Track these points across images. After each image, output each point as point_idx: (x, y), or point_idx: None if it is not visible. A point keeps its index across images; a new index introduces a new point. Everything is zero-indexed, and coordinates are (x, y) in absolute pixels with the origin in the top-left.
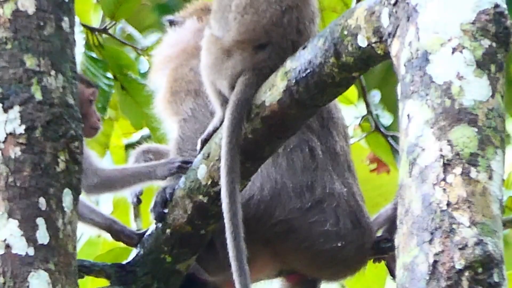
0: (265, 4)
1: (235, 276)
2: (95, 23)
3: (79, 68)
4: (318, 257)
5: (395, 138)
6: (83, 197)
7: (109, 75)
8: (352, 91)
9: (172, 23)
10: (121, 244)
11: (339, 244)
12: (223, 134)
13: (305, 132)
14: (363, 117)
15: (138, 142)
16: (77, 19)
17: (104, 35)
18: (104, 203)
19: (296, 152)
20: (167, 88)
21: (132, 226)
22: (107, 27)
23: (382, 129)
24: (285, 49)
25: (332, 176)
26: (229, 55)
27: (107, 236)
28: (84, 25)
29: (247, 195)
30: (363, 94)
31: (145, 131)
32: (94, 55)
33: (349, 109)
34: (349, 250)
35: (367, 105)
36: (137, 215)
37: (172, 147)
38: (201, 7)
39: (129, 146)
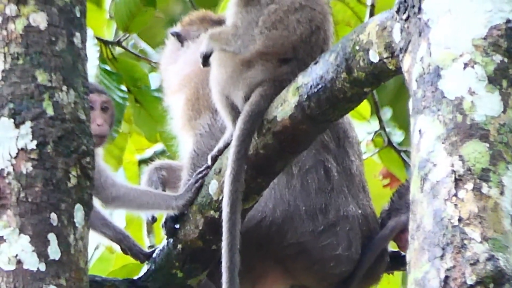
0: (295, 22)
1: (224, 287)
2: (109, 37)
3: (93, 81)
4: (329, 279)
5: (408, 153)
6: (99, 208)
7: (123, 88)
8: (365, 107)
9: (179, 36)
10: (134, 260)
11: (350, 269)
12: (232, 143)
13: (321, 153)
14: (375, 132)
15: (151, 158)
16: (90, 32)
17: (118, 49)
18: (117, 217)
19: (311, 174)
20: (188, 105)
21: (145, 242)
22: (121, 40)
23: (395, 145)
24: (308, 66)
25: (347, 198)
26: (250, 65)
27: (118, 248)
28: (98, 38)
29: (259, 216)
30: (376, 110)
31: (158, 147)
32: (108, 68)
33: (362, 125)
34: (359, 275)
35: (380, 121)
36: (150, 231)
37: (186, 162)
38: (205, 18)
39: (142, 162)
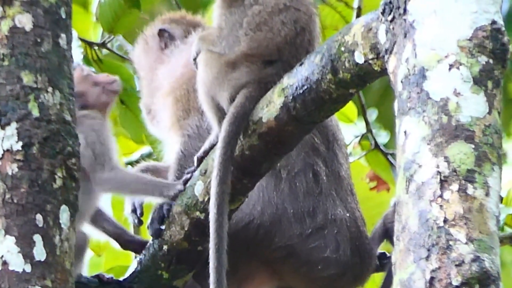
0: (280, 24)
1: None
2: (95, 39)
3: None
4: (316, 281)
5: (395, 156)
6: (99, 204)
7: None
8: (351, 109)
9: (169, 36)
10: (121, 263)
11: (338, 272)
12: (218, 145)
13: (311, 156)
14: (362, 135)
15: (138, 161)
16: (75, 34)
17: (104, 50)
18: None
19: (299, 177)
20: (178, 105)
21: None
22: (106, 42)
23: (381, 147)
24: (292, 68)
25: (335, 202)
26: (235, 67)
27: (115, 245)
28: (82, 40)
29: (247, 218)
30: (363, 112)
31: (145, 149)
32: (93, 69)
33: (348, 127)
34: (347, 278)
35: (367, 123)
36: (136, 233)
37: (173, 162)
38: (190, 20)
39: (129, 165)
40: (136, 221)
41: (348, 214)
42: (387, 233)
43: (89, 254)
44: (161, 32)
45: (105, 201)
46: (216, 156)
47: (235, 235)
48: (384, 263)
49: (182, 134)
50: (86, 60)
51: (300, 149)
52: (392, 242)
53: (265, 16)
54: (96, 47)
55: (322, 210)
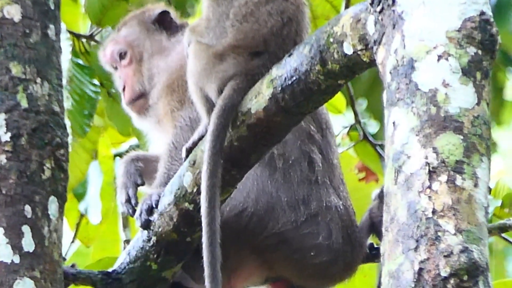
0: (266, 14)
1: (207, 282)
2: (84, 31)
3: (65, 74)
4: (308, 268)
5: (384, 147)
6: None
7: (96, 82)
8: (340, 100)
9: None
10: (110, 254)
11: (330, 259)
12: (207, 138)
13: (306, 143)
14: (351, 126)
15: (127, 152)
16: (63, 26)
17: (92, 42)
18: (93, 213)
19: (294, 166)
20: (173, 96)
21: (121, 236)
22: (94, 34)
23: (370, 138)
24: (280, 59)
25: (328, 189)
26: (222, 59)
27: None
28: (70, 32)
29: (240, 207)
30: (351, 103)
31: (134, 140)
32: (80, 61)
33: (337, 118)
34: (338, 265)
35: (355, 114)
36: (125, 225)
37: (164, 153)
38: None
39: (118, 156)
40: (130, 211)
41: (341, 202)
42: (373, 227)
43: (77, 245)
44: (162, 15)
45: (94, 190)
46: (205, 150)
47: (226, 224)
48: (373, 253)
49: (174, 126)
50: (74, 53)
51: (297, 137)
52: (379, 237)
53: (251, 7)
54: (84, 40)
55: (316, 197)
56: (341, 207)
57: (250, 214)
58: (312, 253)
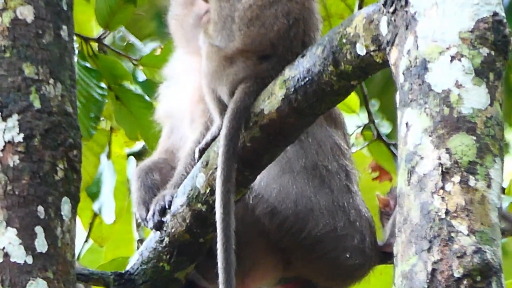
0: (272, 17)
1: (221, 287)
2: (97, 32)
3: None
4: (339, 269)
5: (397, 147)
6: None
7: (103, 85)
8: (353, 100)
9: None
10: (123, 253)
11: (361, 262)
12: (220, 143)
13: (342, 159)
14: (365, 125)
15: (140, 152)
16: None
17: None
18: (107, 213)
19: (334, 176)
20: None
21: (135, 235)
22: (102, 37)
23: (384, 138)
24: (289, 61)
25: (360, 200)
26: (232, 62)
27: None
28: (78, 35)
29: (276, 207)
30: (365, 103)
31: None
32: (88, 65)
33: (351, 118)
34: (365, 269)
35: (369, 114)
36: (139, 225)
37: (187, 154)
38: None
39: (132, 155)
40: (152, 226)
41: (369, 213)
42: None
43: (90, 243)
44: None
45: (108, 190)
46: (219, 154)
47: (255, 223)
48: (385, 256)
49: (204, 123)
50: (82, 56)
51: (334, 153)
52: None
53: (256, 10)
54: (94, 42)
55: (354, 206)
56: (368, 215)
57: (287, 215)
58: (347, 255)
